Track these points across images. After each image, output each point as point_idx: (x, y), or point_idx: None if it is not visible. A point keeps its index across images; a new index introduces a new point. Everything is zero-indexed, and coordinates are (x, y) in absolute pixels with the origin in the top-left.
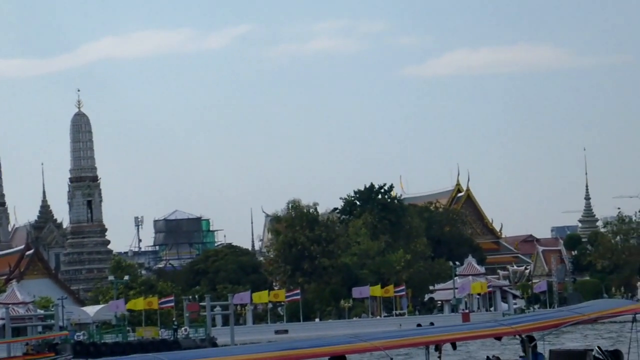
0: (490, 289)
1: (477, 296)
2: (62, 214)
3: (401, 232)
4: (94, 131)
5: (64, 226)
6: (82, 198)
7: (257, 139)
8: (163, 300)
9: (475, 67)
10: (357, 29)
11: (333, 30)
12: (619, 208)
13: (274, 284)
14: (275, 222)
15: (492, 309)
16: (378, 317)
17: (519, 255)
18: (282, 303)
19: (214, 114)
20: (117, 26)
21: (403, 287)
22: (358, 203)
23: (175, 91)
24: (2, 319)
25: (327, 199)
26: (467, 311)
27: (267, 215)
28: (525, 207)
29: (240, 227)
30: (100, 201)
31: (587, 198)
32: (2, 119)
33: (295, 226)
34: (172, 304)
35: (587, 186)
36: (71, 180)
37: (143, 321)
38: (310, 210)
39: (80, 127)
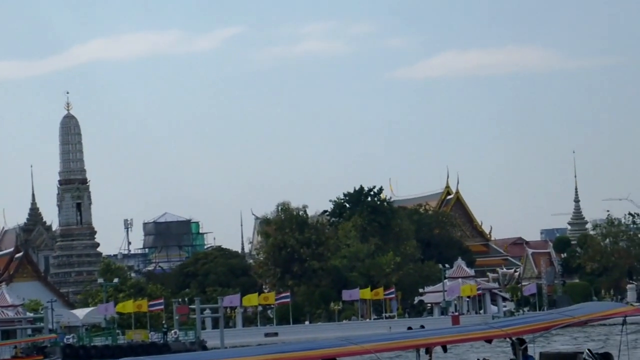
0: (480, 291)
1: (467, 299)
2: (51, 216)
3: (391, 234)
4: (83, 133)
5: (54, 229)
6: (71, 200)
7: (247, 141)
8: (152, 303)
9: (465, 69)
10: (347, 30)
11: (322, 32)
12: (608, 210)
13: (263, 286)
14: (264, 225)
15: (481, 311)
16: (368, 319)
17: (509, 257)
18: (272, 306)
19: (204, 115)
20: (107, 28)
21: (393, 290)
22: (348, 205)
23: (165, 93)
24: None
25: (316, 202)
26: (456, 314)
27: (257, 218)
28: (515, 209)
29: (230, 229)
30: (90, 204)
31: (577, 200)
32: None
33: (285, 229)
34: (162, 306)
35: (576, 189)
36: (60, 182)
37: (133, 324)
38: (300, 213)
39: (70, 130)
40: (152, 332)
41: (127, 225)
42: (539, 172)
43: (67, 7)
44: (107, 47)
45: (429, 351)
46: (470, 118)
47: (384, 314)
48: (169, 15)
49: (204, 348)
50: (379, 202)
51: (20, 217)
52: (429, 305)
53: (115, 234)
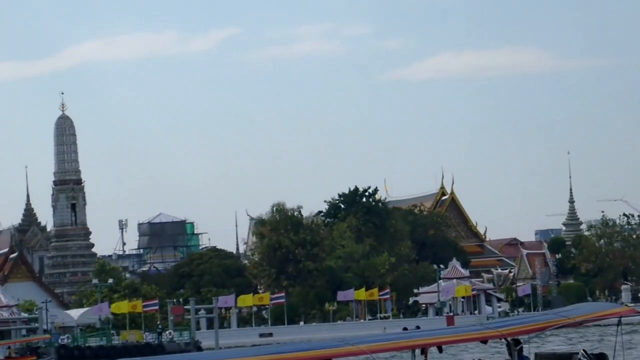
0: (475, 292)
1: (462, 299)
2: (46, 217)
3: (385, 235)
4: (78, 134)
5: (48, 229)
6: (66, 201)
7: (242, 142)
8: (147, 303)
9: (459, 71)
10: (341, 32)
11: (317, 33)
12: (603, 211)
13: (258, 287)
14: (259, 225)
15: (476, 312)
16: (362, 320)
17: (503, 258)
18: (267, 306)
19: (199, 116)
20: (102, 29)
21: (387, 290)
22: (342, 206)
23: (160, 94)
24: None
25: (311, 202)
26: (451, 314)
27: (252, 219)
28: (510, 210)
29: (225, 230)
30: (84, 204)
31: (571, 201)
32: None
33: (280, 229)
34: (157, 307)
35: (571, 189)
36: (55, 183)
37: (127, 324)
38: (295, 214)
39: (64, 130)
40: (146, 333)
41: (122, 225)
42: (534, 173)
43: (62, 8)
44: (102, 48)
45: (424, 352)
46: (464, 119)
47: (378, 315)
48: (164, 17)
49: (199, 349)
50: (373, 203)
51: (14, 217)
52: (424, 305)
53: (110, 234)
